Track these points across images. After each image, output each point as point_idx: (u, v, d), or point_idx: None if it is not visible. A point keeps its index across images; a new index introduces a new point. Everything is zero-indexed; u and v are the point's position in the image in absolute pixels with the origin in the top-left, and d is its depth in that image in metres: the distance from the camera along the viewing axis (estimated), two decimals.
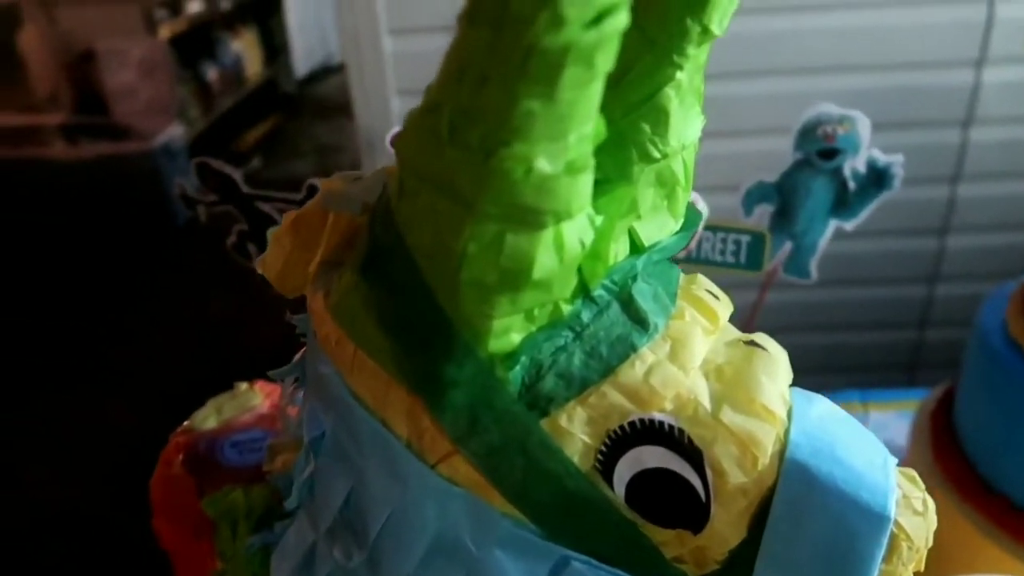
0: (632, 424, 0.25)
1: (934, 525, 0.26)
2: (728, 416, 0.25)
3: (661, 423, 0.25)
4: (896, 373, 1.30)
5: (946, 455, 0.65)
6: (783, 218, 0.65)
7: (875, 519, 0.24)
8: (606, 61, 0.19)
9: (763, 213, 0.65)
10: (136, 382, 1.91)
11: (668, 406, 0.25)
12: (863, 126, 0.63)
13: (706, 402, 0.25)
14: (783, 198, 0.65)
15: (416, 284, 0.24)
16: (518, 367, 0.25)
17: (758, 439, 0.25)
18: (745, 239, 0.62)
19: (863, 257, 1.21)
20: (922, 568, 0.26)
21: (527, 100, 0.19)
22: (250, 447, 0.46)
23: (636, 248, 0.27)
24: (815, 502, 0.25)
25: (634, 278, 0.27)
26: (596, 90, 0.20)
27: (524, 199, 0.21)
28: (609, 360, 0.25)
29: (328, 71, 3.32)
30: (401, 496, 0.27)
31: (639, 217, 0.27)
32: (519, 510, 0.26)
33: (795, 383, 0.27)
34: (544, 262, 0.22)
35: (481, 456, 0.25)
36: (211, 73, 2.71)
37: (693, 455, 0.25)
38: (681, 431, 0.25)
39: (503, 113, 0.19)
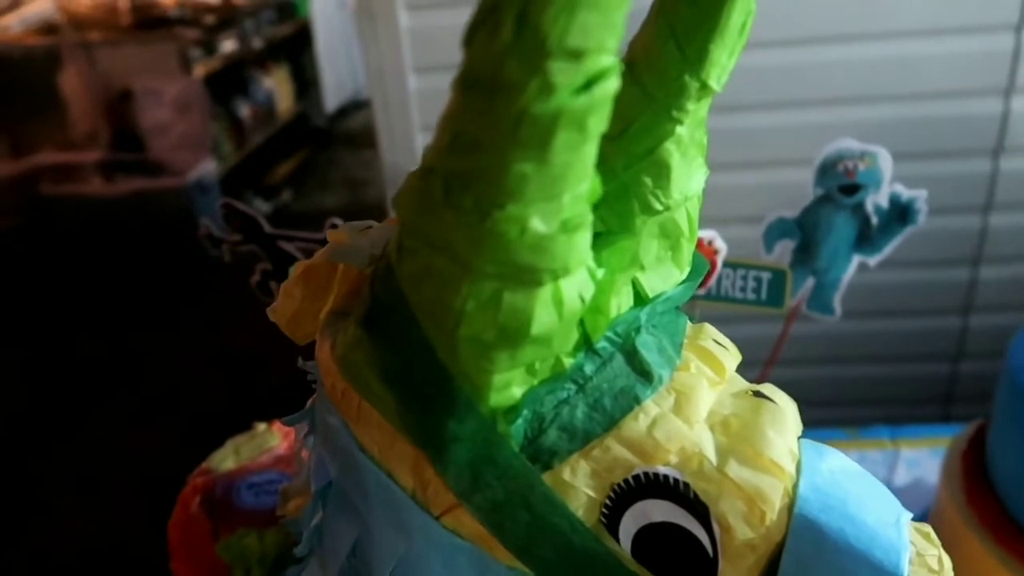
0: (637, 478, 0.25)
1: None
2: (734, 471, 0.25)
3: (666, 477, 0.25)
4: (930, 406, 1.28)
5: (978, 496, 0.64)
6: (805, 254, 0.65)
7: None
8: (599, 124, 0.19)
9: (784, 249, 0.65)
10: (165, 415, 1.94)
11: (673, 460, 0.25)
12: (884, 161, 0.62)
13: (712, 456, 0.25)
14: (804, 234, 0.65)
15: (417, 340, 0.24)
16: (520, 420, 0.25)
17: (765, 494, 0.25)
18: (766, 276, 0.61)
19: (894, 288, 1.19)
20: None
21: (519, 164, 0.19)
22: (266, 489, 0.46)
23: (640, 299, 0.27)
24: (825, 560, 0.24)
25: (638, 330, 0.27)
26: (590, 151, 0.20)
27: (520, 258, 0.21)
28: (612, 413, 0.25)
29: (357, 105, 3.38)
30: (407, 548, 0.27)
31: (643, 269, 0.27)
32: (525, 565, 0.26)
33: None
34: (542, 318, 0.22)
35: (485, 511, 0.25)
36: (244, 109, 2.77)
37: (699, 510, 0.25)
38: (687, 485, 0.25)
39: (496, 177, 0.19)
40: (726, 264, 0.60)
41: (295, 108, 3.15)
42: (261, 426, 0.52)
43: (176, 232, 2.51)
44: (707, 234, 0.57)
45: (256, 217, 0.74)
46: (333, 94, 3.27)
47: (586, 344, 0.25)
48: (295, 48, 3.10)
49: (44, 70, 2.43)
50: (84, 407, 2.01)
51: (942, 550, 0.25)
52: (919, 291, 1.22)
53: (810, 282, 0.65)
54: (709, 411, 0.26)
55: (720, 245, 0.58)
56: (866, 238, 0.64)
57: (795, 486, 0.25)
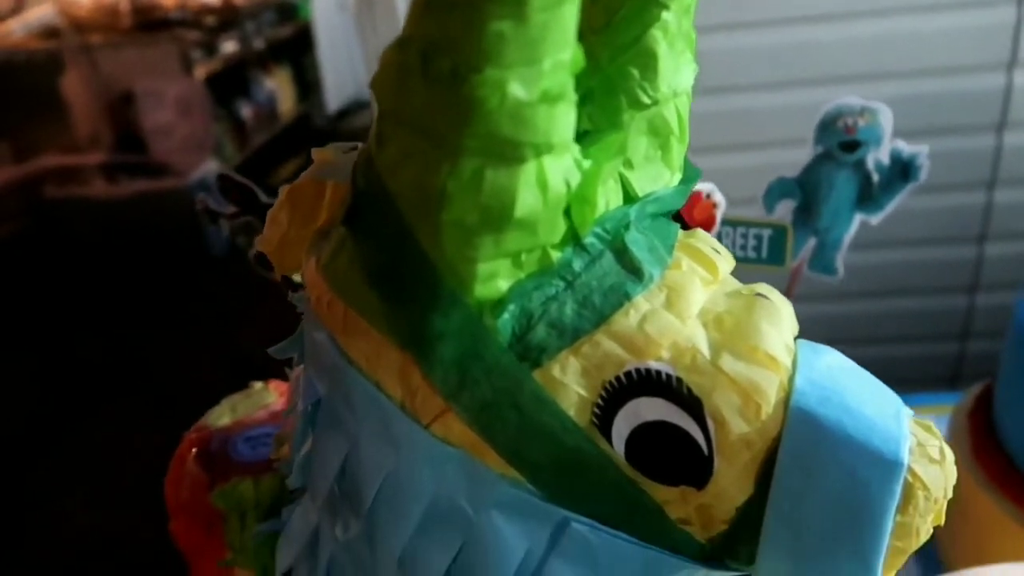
0: (628, 375, 0.24)
1: (953, 476, 0.25)
2: (729, 364, 0.24)
3: (658, 372, 0.24)
4: (938, 385, 1.26)
5: (986, 455, 0.63)
6: (806, 213, 0.64)
7: (887, 466, 0.23)
8: None
9: (785, 210, 0.64)
10: (171, 415, 1.94)
11: (665, 355, 0.24)
12: (885, 117, 0.62)
13: (705, 350, 0.24)
14: (805, 193, 0.64)
15: (399, 232, 0.23)
16: (507, 315, 0.24)
17: (760, 387, 0.24)
18: (767, 233, 0.60)
19: (899, 268, 1.18)
20: (941, 521, 0.25)
21: (496, 22, 0.19)
22: (263, 441, 0.45)
23: (630, 199, 0.27)
24: (823, 452, 0.23)
25: (627, 227, 0.26)
26: (570, 13, 0.19)
27: (500, 129, 0.20)
28: (602, 309, 0.25)
29: (360, 106, 3.38)
30: (395, 460, 0.27)
31: (632, 167, 0.27)
32: (516, 470, 0.25)
33: None
34: (526, 199, 0.22)
35: (473, 412, 0.25)
36: (246, 111, 2.78)
37: (692, 405, 0.24)
38: (679, 380, 0.24)
39: (472, 38, 0.19)
40: (725, 222, 0.60)
41: (297, 109, 3.16)
42: (258, 384, 0.52)
43: (180, 231, 2.52)
44: (705, 187, 0.56)
45: (252, 188, 0.73)
46: (335, 95, 3.27)
47: (574, 239, 0.25)
48: (296, 49, 3.11)
49: (46, 74, 2.44)
50: (90, 408, 2.01)
51: (944, 442, 0.25)
52: (924, 270, 1.20)
53: (812, 242, 0.65)
54: (702, 308, 0.25)
55: (719, 199, 0.57)
56: (868, 196, 0.63)
57: (791, 380, 0.25)
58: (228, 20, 2.70)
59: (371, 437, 0.27)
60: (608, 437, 0.25)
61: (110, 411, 2.00)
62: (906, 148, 0.62)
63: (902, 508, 0.24)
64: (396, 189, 0.23)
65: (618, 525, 0.26)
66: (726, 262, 0.27)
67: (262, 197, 0.72)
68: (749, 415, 0.24)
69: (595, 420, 0.25)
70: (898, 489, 0.23)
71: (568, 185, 0.23)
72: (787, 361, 0.25)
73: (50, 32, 2.54)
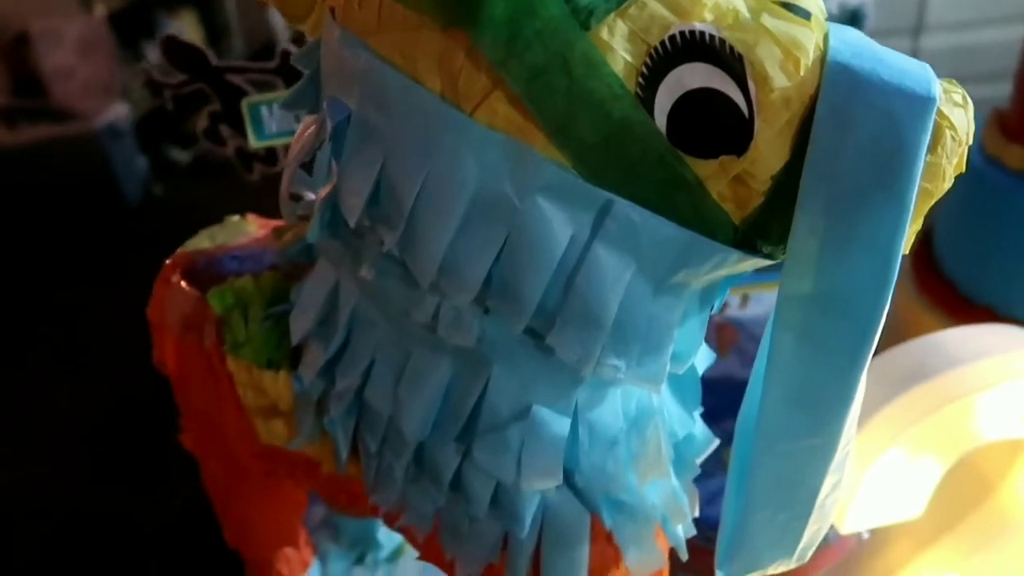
0: (672, 39, 0.25)
1: (972, 124, 0.26)
2: (769, 21, 0.25)
3: (702, 33, 0.25)
4: None
5: (930, 284, 0.67)
6: None
7: (920, 102, 0.24)
8: None
9: None
10: (89, 361, 1.85)
11: (708, 16, 0.25)
12: None
13: (745, 11, 0.25)
14: None
15: None
16: None
17: (799, 41, 0.25)
18: None
19: None
20: (963, 169, 0.27)
21: None
22: (251, 258, 0.44)
23: None
24: (859, 99, 0.25)
25: None
26: None
27: None
28: None
29: (272, 52, 3.27)
30: (437, 155, 0.27)
31: None
32: (560, 149, 0.26)
33: None
34: None
35: (523, 82, 0.25)
36: (153, 54, 2.65)
37: (735, 66, 0.25)
38: (723, 40, 0.25)
39: None
40: None
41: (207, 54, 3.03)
42: (234, 217, 0.50)
43: (90, 179, 2.39)
44: None
45: (201, 49, 0.70)
46: (246, 39, 3.15)
47: None
48: None
49: None
50: (4, 366, 1.91)
51: (965, 91, 0.26)
52: None
53: None
54: None
55: None
56: None
57: (826, 38, 0.26)
58: None
59: (410, 136, 0.27)
60: (651, 113, 0.26)
61: (27, 369, 1.91)
62: None
63: (932, 148, 0.25)
64: None
65: (659, 207, 0.27)
66: None
67: (212, 59, 0.70)
68: (789, 69, 0.25)
69: (639, 91, 0.25)
70: (930, 125, 0.25)
71: None
72: (822, 21, 0.26)
73: None
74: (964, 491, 0.47)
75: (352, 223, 0.29)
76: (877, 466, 0.42)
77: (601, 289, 0.27)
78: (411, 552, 0.62)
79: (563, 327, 0.28)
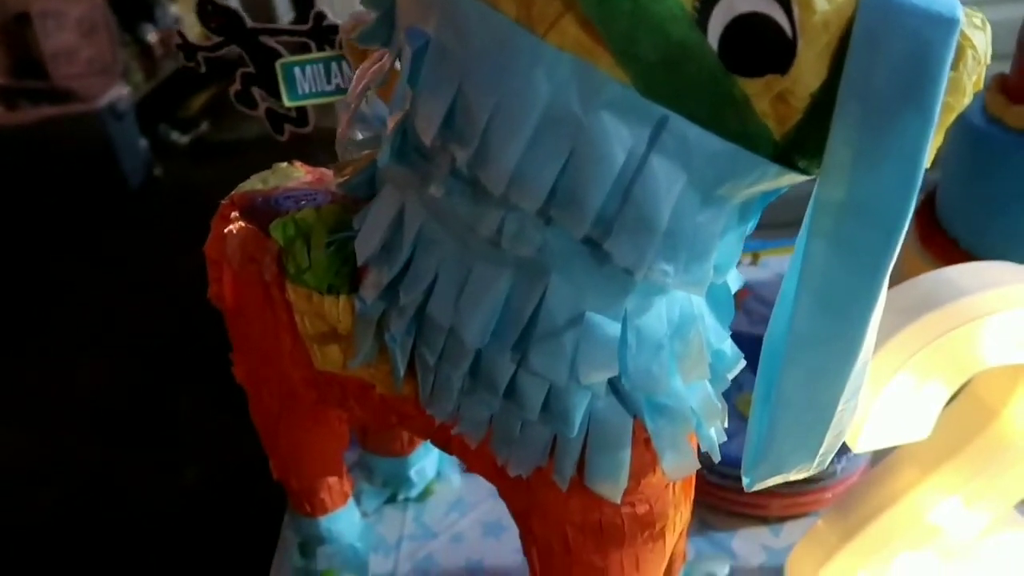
0: None
1: (990, 45, 0.30)
2: None
3: None
4: None
5: (933, 239, 0.70)
6: None
7: (945, 23, 0.28)
8: None
9: None
10: (99, 344, 1.88)
11: None
12: None
13: None
14: None
15: None
16: None
17: None
18: None
19: None
20: (981, 86, 0.30)
21: None
22: (306, 197, 0.47)
23: None
24: (891, 21, 0.28)
25: None
26: None
27: None
28: None
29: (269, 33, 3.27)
30: (511, 75, 0.29)
31: None
32: (623, 68, 0.29)
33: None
34: None
35: (592, 5, 0.28)
36: (152, 36, 2.66)
37: None
38: None
39: None
40: None
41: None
42: (282, 164, 0.53)
43: (92, 160, 2.40)
44: None
45: (237, 11, 0.73)
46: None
47: None
48: None
49: None
50: (11, 342, 1.93)
51: (984, 16, 0.30)
52: None
53: None
54: None
55: None
56: None
57: None
58: None
59: (485, 59, 0.30)
60: (704, 33, 0.29)
61: (33, 344, 1.93)
62: None
63: (954, 65, 0.28)
64: None
65: (709, 122, 0.30)
66: None
67: (248, 21, 0.72)
68: None
69: (696, 13, 0.28)
70: (954, 44, 0.28)
71: None
72: None
73: None
74: (967, 419, 0.51)
75: (428, 143, 0.32)
76: (888, 389, 0.45)
77: (656, 198, 0.30)
78: (440, 491, 0.66)
79: (619, 233, 0.31)
